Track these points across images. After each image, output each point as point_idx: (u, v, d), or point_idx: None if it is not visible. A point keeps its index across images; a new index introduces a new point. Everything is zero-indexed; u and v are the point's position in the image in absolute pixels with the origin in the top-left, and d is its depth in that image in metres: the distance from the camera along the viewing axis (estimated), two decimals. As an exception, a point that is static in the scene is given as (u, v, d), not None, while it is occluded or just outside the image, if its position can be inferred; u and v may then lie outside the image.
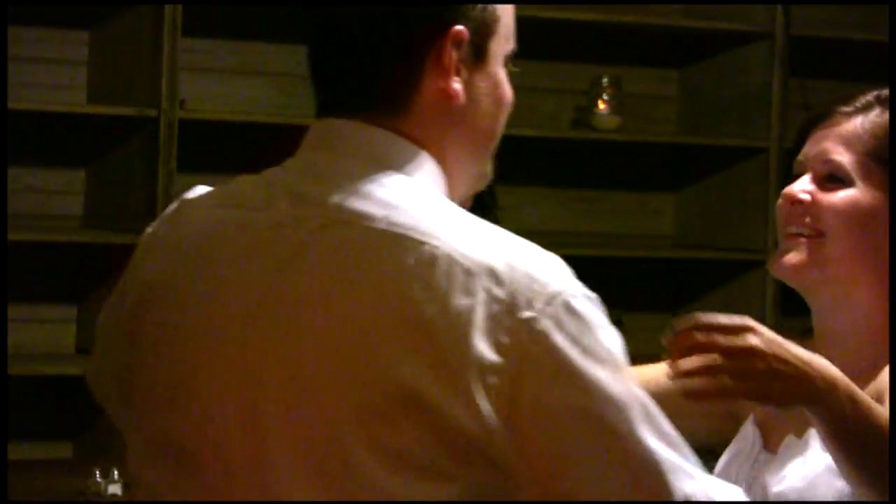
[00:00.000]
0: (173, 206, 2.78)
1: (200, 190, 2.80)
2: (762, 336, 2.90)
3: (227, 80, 6.94)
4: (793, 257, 3.26)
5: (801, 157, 3.31)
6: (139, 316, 2.68)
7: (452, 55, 2.65)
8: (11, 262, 6.48)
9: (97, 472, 4.86)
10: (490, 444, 2.50)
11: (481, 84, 2.70)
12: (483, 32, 2.71)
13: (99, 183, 6.68)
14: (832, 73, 7.92)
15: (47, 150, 6.65)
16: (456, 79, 2.65)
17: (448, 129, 2.68)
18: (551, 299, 2.53)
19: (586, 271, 2.81)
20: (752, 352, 2.88)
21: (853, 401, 2.92)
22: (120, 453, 5.83)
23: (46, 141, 6.62)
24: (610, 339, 2.56)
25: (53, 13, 6.62)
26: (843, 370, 3.01)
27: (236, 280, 2.61)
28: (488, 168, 2.85)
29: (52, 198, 6.71)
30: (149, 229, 2.75)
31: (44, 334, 6.70)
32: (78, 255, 6.69)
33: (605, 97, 7.27)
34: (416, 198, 2.60)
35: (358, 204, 2.57)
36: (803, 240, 3.25)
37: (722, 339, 2.87)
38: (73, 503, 4.83)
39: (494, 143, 2.82)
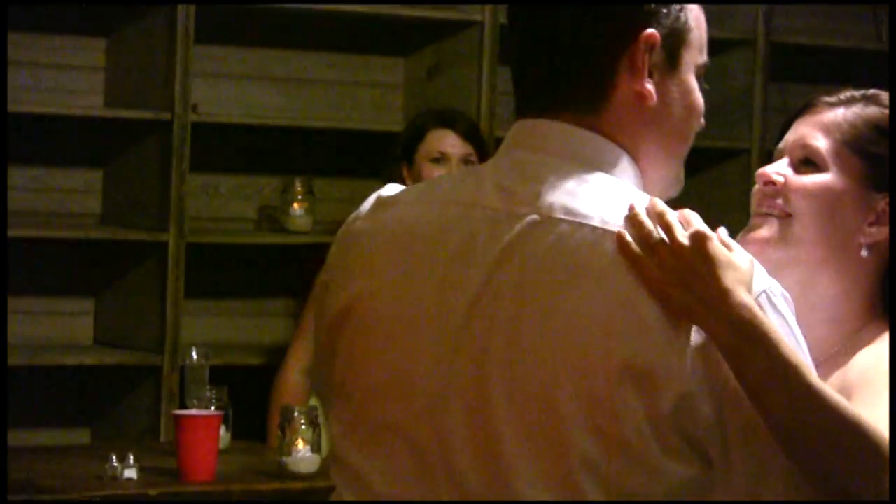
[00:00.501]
0: (371, 202, 2.77)
1: (395, 188, 2.79)
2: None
3: (236, 86, 6.88)
4: (761, 233, 3.24)
5: (781, 144, 3.30)
6: (358, 311, 2.69)
7: (645, 58, 2.69)
8: (34, 257, 6.52)
9: (114, 457, 4.79)
10: (696, 423, 2.57)
11: (673, 89, 2.75)
12: (675, 39, 2.75)
13: (116, 182, 6.61)
14: (811, 78, 7.90)
15: (67, 152, 6.60)
16: (649, 80, 2.68)
17: (642, 131, 2.71)
18: (756, 295, 2.64)
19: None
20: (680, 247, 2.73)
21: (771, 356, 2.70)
22: (136, 439, 5.89)
23: (66, 143, 6.58)
24: (801, 337, 2.69)
25: (72, 21, 6.58)
26: None
27: (456, 273, 2.63)
28: (681, 174, 2.88)
29: (71, 197, 6.64)
30: (349, 227, 2.78)
31: (63, 326, 6.63)
32: (96, 250, 6.63)
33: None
34: (622, 196, 2.63)
35: (569, 201, 2.60)
36: (773, 219, 3.23)
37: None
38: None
39: (686, 149, 2.86)
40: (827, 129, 3.27)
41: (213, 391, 5.00)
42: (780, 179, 3.25)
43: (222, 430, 4.96)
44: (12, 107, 6.19)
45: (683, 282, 2.68)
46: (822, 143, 3.24)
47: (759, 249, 3.18)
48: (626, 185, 2.69)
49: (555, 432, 2.59)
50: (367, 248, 2.73)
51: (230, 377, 5.34)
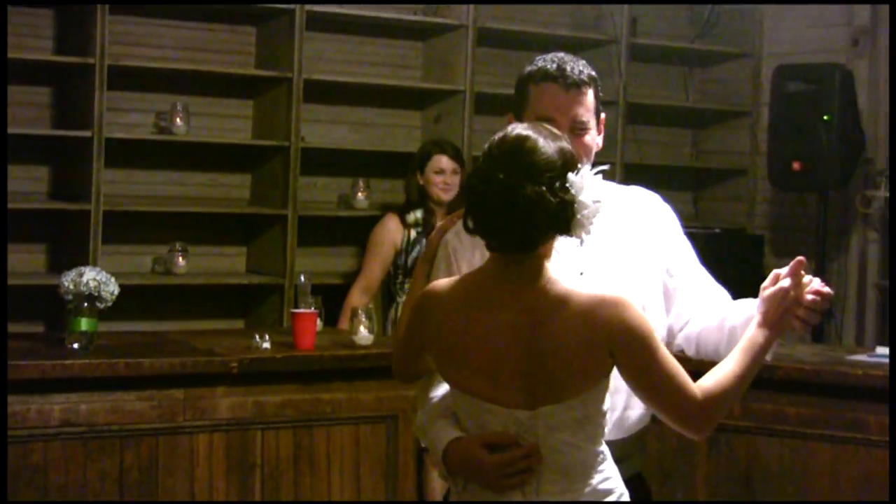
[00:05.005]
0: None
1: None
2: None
3: (328, 127, 6.80)
4: None
5: None
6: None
7: None
8: (214, 223, 6.54)
9: (257, 336, 4.74)
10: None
11: None
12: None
13: (259, 181, 6.61)
14: (656, 123, 7.87)
15: (228, 164, 6.59)
16: None
17: None
18: None
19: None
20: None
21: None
22: (269, 326, 6.09)
23: (227, 159, 6.59)
24: None
25: (224, 92, 6.56)
26: None
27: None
28: None
29: (230, 189, 6.63)
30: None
31: (229, 261, 6.64)
32: (247, 220, 6.62)
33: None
34: None
35: None
36: None
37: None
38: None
39: None
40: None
41: (313, 299, 4.86)
42: None
43: (318, 321, 4.83)
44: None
45: None
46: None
47: None
48: None
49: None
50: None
51: (322, 290, 5.11)
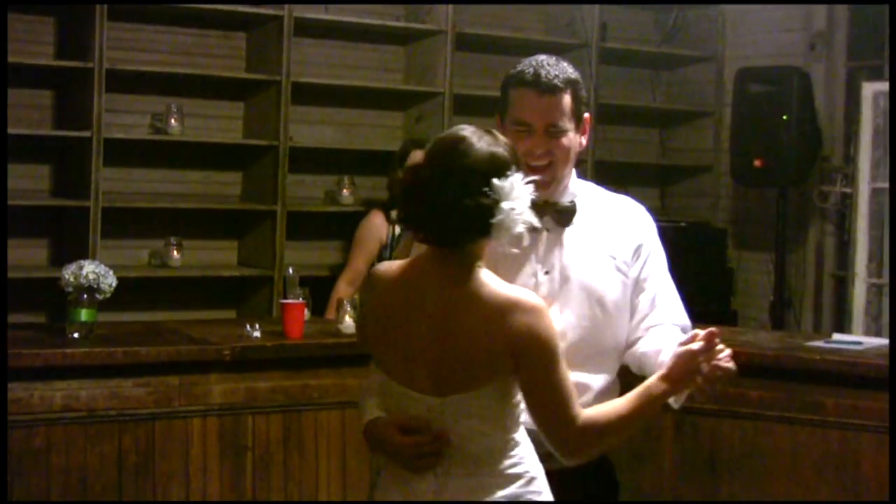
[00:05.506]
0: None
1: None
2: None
3: (314, 128, 6.79)
4: None
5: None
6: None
7: None
8: (204, 219, 6.46)
9: (248, 325, 4.73)
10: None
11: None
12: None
13: (250, 178, 6.59)
14: (625, 123, 7.85)
15: (221, 162, 6.55)
16: None
17: None
18: None
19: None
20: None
21: None
22: (260, 315, 6.02)
23: (219, 158, 6.55)
24: None
25: (217, 94, 6.53)
26: None
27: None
28: None
29: (223, 187, 6.59)
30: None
31: (221, 255, 6.61)
32: (239, 216, 6.60)
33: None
34: None
35: None
36: None
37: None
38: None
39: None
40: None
41: (301, 290, 4.84)
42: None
43: (306, 311, 4.79)
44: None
45: None
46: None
47: None
48: None
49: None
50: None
51: (310, 282, 5.08)
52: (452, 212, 2.50)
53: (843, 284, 7.13)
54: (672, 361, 2.59)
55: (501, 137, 2.62)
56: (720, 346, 2.56)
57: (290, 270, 4.98)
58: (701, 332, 2.60)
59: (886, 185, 6.67)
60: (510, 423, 2.58)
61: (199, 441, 4.48)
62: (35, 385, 4.20)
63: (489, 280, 2.56)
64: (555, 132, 2.84)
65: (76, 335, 4.48)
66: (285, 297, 4.90)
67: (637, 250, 2.94)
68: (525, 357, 2.50)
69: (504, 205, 2.50)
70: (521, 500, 2.57)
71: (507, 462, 2.57)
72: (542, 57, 2.90)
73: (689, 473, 4.81)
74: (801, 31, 7.38)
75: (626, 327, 2.92)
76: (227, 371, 4.54)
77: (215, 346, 4.55)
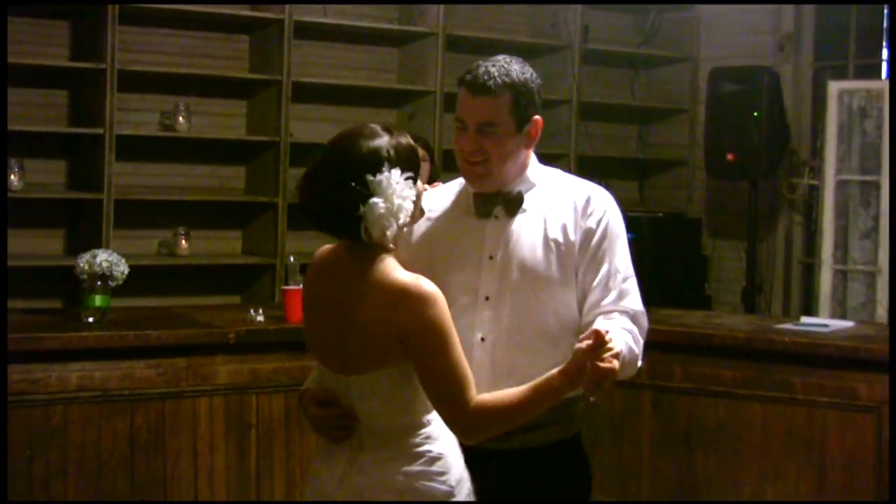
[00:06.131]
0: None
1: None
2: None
3: (316, 125, 6.64)
4: None
5: None
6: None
7: None
8: (212, 210, 6.41)
9: (251, 310, 4.73)
10: None
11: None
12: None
13: (252, 173, 6.49)
14: (606, 120, 7.93)
15: (226, 157, 6.49)
16: None
17: None
18: None
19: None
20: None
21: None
22: (262, 301, 5.96)
23: (224, 153, 6.49)
24: None
25: (222, 93, 6.48)
26: None
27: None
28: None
29: (227, 180, 6.54)
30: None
31: (226, 244, 6.54)
32: (242, 207, 6.53)
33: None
34: None
35: None
36: None
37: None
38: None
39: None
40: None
41: (301, 277, 4.36)
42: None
43: None
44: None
45: None
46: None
47: None
48: None
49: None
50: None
51: None
52: (326, 202, 2.48)
53: (810, 271, 7.15)
54: (572, 357, 2.47)
55: (404, 137, 2.54)
56: (609, 346, 2.42)
57: (291, 258, 4.95)
58: (600, 331, 2.43)
59: (850, 177, 6.70)
60: (416, 405, 2.53)
61: (206, 419, 4.49)
62: (52, 367, 4.22)
63: (388, 268, 2.51)
64: (488, 131, 2.72)
65: (90, 320, 4.49)
66: (286, 284, 4.89)
67: (587, 235, 2.78)
68: (415, 343, 2.45)
69: (373, 200, 2.45)
70: (421, 479, 2.53)
71: (413, 440, 2.52)
72: (499, 57, 2.76)
73: (666, 448, 4.82)
74: (771, 34, 7.37)
75: (574, 309, 2.77)
76: (232, 353, 4.53)
77: (221, 329, 4.54)
